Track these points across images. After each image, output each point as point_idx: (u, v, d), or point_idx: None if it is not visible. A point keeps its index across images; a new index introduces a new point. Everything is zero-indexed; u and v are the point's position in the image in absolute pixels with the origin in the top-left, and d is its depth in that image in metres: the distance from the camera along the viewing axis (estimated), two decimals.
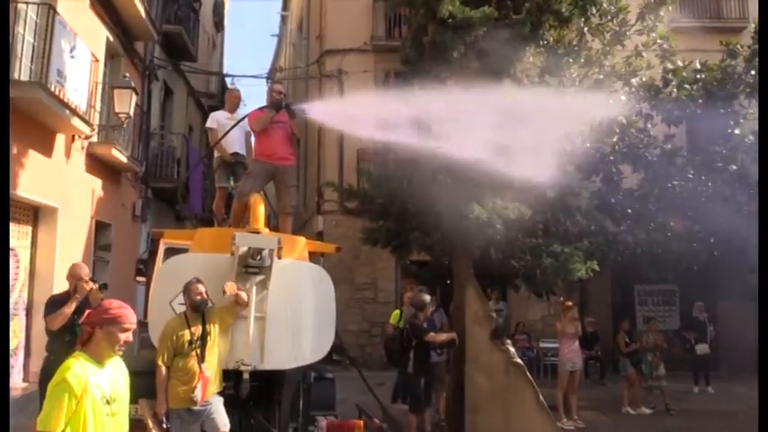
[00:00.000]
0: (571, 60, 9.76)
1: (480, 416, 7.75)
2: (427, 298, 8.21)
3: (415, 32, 9.31)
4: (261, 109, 6.99)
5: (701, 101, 10.89)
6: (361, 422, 6.11)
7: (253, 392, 5.46)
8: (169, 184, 14.73)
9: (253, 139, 7.54)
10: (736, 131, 11.08)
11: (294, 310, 5.63)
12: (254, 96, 51.61)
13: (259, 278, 5.49)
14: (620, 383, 11.26)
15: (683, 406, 10.93)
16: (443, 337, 8.12)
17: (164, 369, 5.05)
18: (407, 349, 8.06)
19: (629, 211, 10.35)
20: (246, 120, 7.28)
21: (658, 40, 10.67)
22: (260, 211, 6.16)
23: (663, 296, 15.71)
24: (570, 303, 10.30)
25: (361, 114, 6.65)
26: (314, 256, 6.95)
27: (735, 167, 10.89)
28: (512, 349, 7.89)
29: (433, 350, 8.18)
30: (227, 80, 22.87)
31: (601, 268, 9.30)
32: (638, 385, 10.96)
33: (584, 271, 8.78)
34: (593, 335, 12.20)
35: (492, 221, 7.64)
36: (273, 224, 7.25)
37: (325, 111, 8.53)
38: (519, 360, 7.84)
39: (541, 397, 7.44)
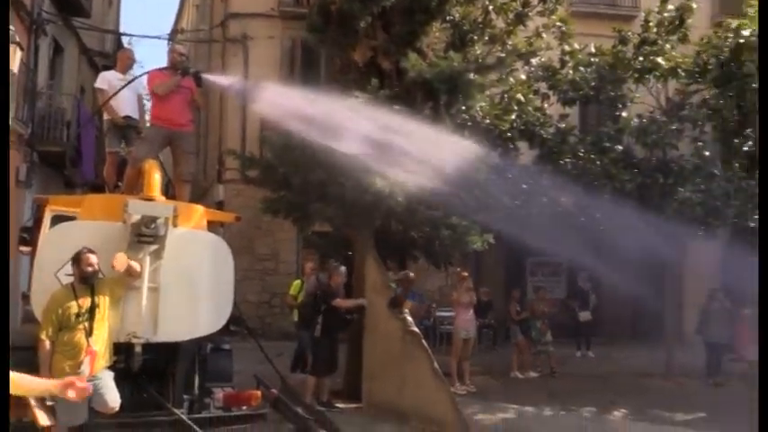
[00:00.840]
0: (476, 37, 10.01)
1: (376, 383, 7.97)
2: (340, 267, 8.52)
3: (322, 0, 9.19)
4: (161, 70, 6.68)
5: (593, 83, 11.45)
6: (259, 392, 6.09)
7: (145, 366, 5.32)
8: (57, 148, 13.84)
9: (147, 103, 7.21)
10: (624, 114, 11.74)
11: (190, 281, 5.51)
12: (153, 58, 49.24)
13: (153, 248, 5.32)
14: (511, 349, 11.86)
15: (566, 369, 11.69)
16: (350, 302, 8.34)
17: (47, 343, 4.83)
18: (317, 313, 8.19)
19: (524, 186, 10.78)
20: (139, 81, 6.94)
21: (557, 23, 11.12)
22: (155, 177, 5.93)
23: (551, 267, 16.63)
24: (466, 274, 10.67)
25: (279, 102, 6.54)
26: (213, 226, 6.80)
27: (621, 148, 11.56)
28: (409, 318, 8.12)
29: (342, 316, 8.38)
30: (125, 40, 21.68)
31: (496, 241, 9.72)
32: (527, 351, 11.58)
33: (480, 243, 9.15)
34: (487, 304, 12.71)
35: (393, 194, 7.77)
36: (171, 193, 7.01)
37: (237, 89, 8.33)
38: (415, 328, 8.08)
39: (436, 364, 7.70)
